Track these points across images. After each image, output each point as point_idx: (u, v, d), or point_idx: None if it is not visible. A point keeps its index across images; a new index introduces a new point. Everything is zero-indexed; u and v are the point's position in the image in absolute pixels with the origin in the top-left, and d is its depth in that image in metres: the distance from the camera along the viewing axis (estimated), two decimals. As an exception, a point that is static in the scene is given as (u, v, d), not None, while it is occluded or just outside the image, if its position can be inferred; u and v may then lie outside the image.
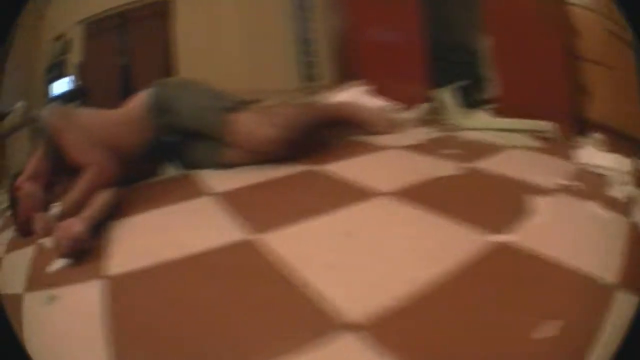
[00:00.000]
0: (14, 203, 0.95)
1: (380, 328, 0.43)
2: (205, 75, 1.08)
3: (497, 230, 0.56)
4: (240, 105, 0.97)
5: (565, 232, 0.58)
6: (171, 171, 1.06)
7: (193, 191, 0.87)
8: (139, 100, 1.02)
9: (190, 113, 0.98)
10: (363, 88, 1.09)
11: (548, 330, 0.41)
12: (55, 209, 0.87)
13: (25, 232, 0.91)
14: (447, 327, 0.43)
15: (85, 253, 0.73)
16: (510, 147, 0.92)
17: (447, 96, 1.20)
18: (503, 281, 0.48)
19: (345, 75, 1.40)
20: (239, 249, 0.65)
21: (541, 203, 0.63)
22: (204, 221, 0.75)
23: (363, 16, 1.41)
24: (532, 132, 1.00)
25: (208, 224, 0.74)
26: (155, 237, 0.74)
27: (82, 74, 1.39)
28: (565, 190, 0.69)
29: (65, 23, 1.40)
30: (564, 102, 1.09)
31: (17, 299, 0.71)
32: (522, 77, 1.17)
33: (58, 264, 0.75)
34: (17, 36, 1.33)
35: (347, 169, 0.86)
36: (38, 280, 0.75)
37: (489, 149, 0.90)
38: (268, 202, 0.79)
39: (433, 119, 1.19)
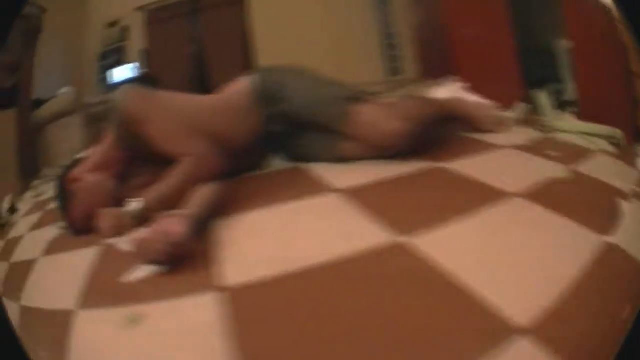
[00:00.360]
0: (65, 196, 0.79)
1: (546, 330, 0.43)
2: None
3: (604, 231, 0.60)
4: (361, 95, 0.86)
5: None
6: (276, 164, 0.93)
7: (312, 187, 0.74)
8: (241, 86, 0.89)
9: (306, 102, 0.86)
10: (460, 85, 1.02)
11: (630, 313, 0.48)
12: (133, 204, 0.71)
13: (81, 230, 0.76)
14: (595, 325, 0.46)
15: (183, 259, 0.58)
16: (598, 151, 0.97)
17: (543, 97, 1.18)
18: (613, 277, 0.54)
19: (428, 70, 1.35)
20: (391, 253, 0.55)
21: (625, 207, 0.69)
22: (336, 221, 0.63)
23: (449, 12, 1.38)
24: (607, 138, 1.05)
25: (343, 225, 0.61)
26: (280, 239, 0.61)
27: (147, 61, 1.27)
28: (636, 195, 0.75)
29: (118, 9, 1.30)
30: (624, 110, 1.16)
31: (63, 316, 0.57)
32: (594, 83, 1.22)
33: (142, 272, 0.59)
34: (48, 22, 1.22)
35: (471, 167, 0.79)
36: (106, 293, 0.59)
37: (584, 153, 0.94)
38: (403, 201, 0.69)
39: (528, 119, 1.17)
